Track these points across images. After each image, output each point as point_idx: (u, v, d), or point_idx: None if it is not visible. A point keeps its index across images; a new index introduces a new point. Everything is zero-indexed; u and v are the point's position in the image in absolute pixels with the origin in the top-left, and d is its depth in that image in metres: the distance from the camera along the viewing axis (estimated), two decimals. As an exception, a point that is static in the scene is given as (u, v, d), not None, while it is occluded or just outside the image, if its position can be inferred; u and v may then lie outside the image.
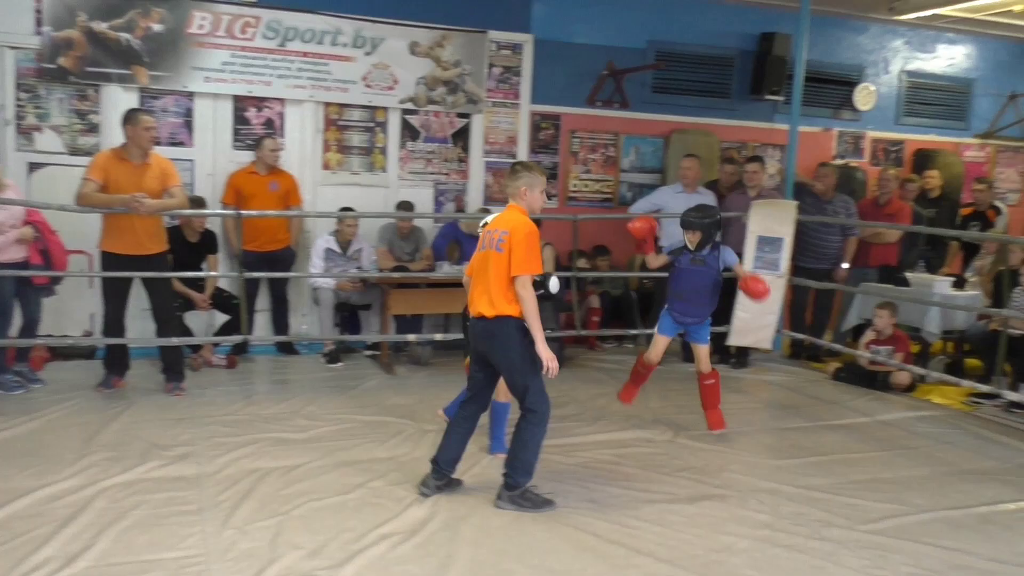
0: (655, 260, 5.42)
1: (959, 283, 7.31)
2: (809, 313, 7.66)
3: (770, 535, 3.82)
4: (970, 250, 8.00)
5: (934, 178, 8.48)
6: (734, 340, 6.94)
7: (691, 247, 5.14)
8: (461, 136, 7.91)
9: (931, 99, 9.74)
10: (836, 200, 7.48)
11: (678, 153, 7.99)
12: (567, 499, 4.14)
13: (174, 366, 5.87)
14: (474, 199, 7.96)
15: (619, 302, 8.02)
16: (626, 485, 4.38)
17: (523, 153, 8.09)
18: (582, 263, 7.73)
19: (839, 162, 8.96)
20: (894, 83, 9.54)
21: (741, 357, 7.25)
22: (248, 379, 6.43)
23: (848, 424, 5.71)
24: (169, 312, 5.85)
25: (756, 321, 6.79)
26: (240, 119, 7.20)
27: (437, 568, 3.38)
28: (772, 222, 6.80)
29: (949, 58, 9.75)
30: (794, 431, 5.51)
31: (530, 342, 3.93)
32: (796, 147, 7.80)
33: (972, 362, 6.94)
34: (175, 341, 5.86)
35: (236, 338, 6.40)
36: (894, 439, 5.38)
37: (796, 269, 7.17)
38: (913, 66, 9.59)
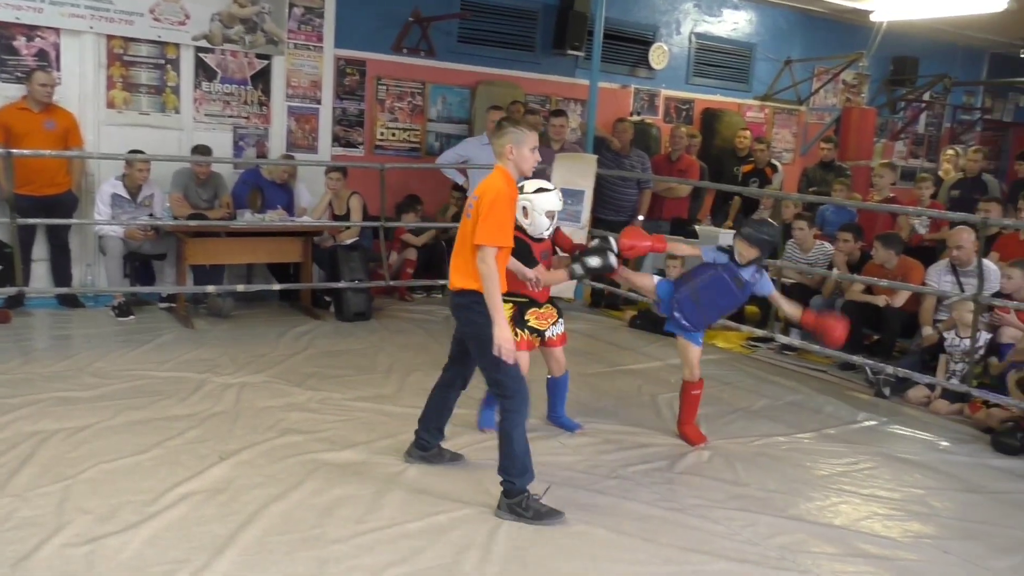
0: (686, 248, 4.99)
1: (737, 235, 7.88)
2: (608, 262, 7.99)
3: (572, 476, 4.00)
4: (749, 205, 8.63)
5: (746, 138, 9.08)
6: (538, 289, 7.13)
7: (739, 261, 4.40)
8: (261, 78, 7.55)
9: (717, 61, 10.34)
10: (632, 155, 7.83)
11: (485, 104, 8.05)
12: (379, 460, 4.14)
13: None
14: (276, 145, 7.65)
15: (429, 252, 8.02)
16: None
17: (327, 98, 7.85)
18: (410, 216, 7.67)
19: (635, 118, 9.36)
20: (685, 44, 10.04)
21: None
22: (25, 334, 5.90)
23: (642, 368, 6.06)
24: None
25: (559, 271, 7.00)
26: (7, 48, 6.49)
27: (241, 525, 3.28)
28: (574, 175, 7.02)
29: (733, 23, 10.38)
30: (594, 376, 5.77)
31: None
32: (596, 102, 8.06)
33: (751, 309, 7.52)
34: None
35: (9, 290, 5.85)
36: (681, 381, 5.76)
37: (596, 221, 7.45)
38: (701, 28, 10.13)
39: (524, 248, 4.21)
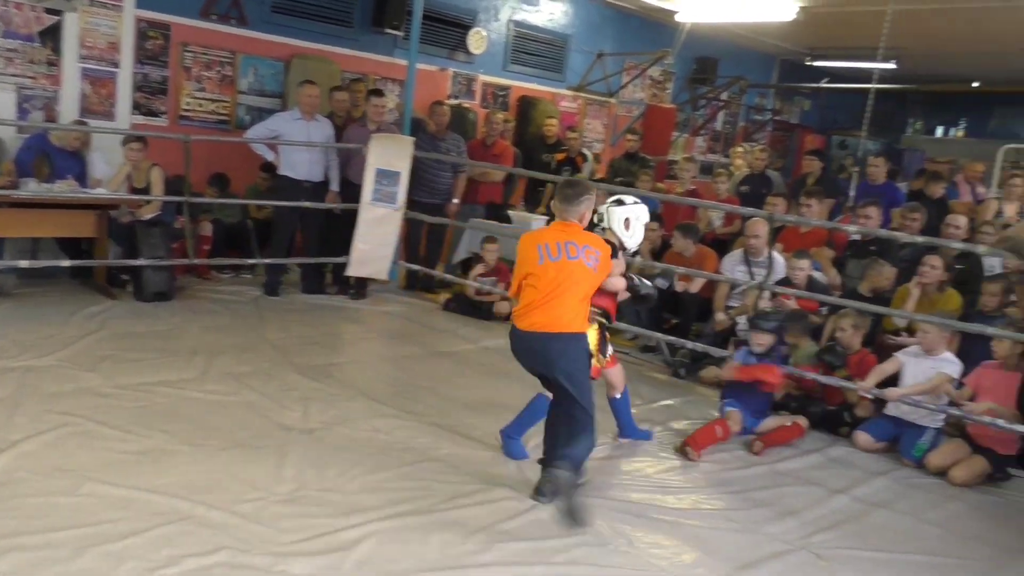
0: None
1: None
2: (423, 246, 8.01)
3: (384, 460, 3.98)
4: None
5: (553, 126, 9.29)
6: (352, 271, 7.05)
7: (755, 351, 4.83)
8: (51, 36, 6.93)
9: (533, 50, 10.55)
10: (448, 138, 7.85)
11: (299, 78, 7.78)
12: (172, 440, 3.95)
13: None
14: (68, 109, 7.05)
15: (235, 230, 7.69)
16: (242, 417, 4.29)
17: (127, 62, 7.32)
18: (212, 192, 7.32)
19: (452, 102, 9.39)
20: (503, 31, 10.17)
21: (360, 288, 7.38)
22: None
23: (456, 351, 6.12)
24: None
25: (374, 253, 6.96)
26: None
27: (23, 521, 3.05)
28: (390, 156, 6.96)
29: (550, 13, 10.62)
30: (408, 359, 5.77)
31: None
32: (414, 84, 8.01)
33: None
34: None
35: None
36: (494, 364, 5.85)
37: (411, 203, 7.42)
38: (519, 16, 10.29)
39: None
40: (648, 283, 4.42)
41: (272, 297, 7.02)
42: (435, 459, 4.05)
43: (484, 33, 9.84)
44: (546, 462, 3.70)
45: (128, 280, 6.68)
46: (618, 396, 4.55)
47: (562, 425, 3.69)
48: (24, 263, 6.04)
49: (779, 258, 6.07)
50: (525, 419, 4.20)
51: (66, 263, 6.39)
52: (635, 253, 4.74)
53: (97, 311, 5.97)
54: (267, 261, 7.16)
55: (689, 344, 5.91)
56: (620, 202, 4.26)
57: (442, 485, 3.76)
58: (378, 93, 7.54)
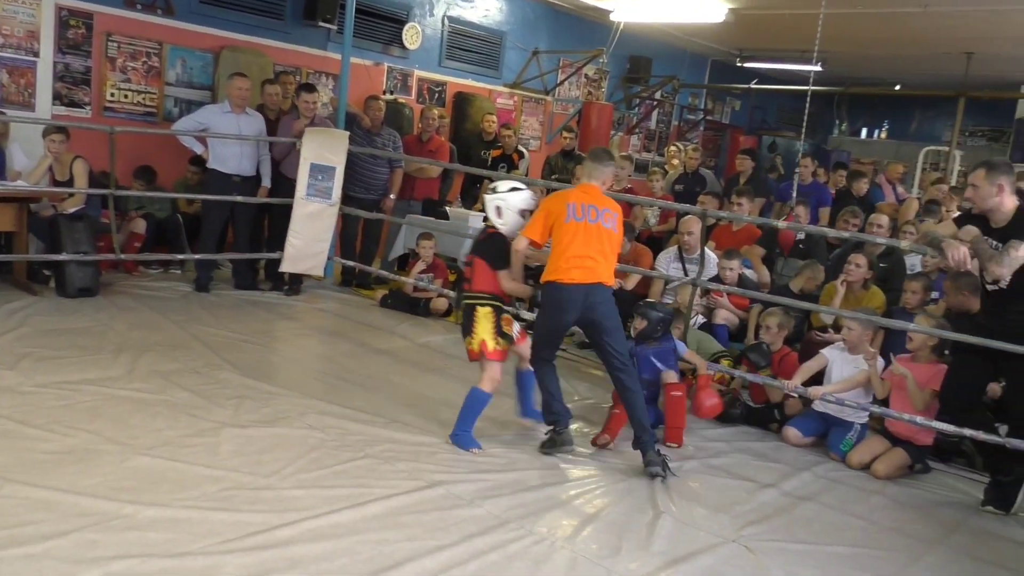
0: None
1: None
2: (359, 242, 7.93)
3: (319, 457, 3.93)
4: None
5: (492, 122, 9.26)
6: (287, 267, 6.95)
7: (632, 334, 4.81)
8: (-35, 22, 6.66)
9: (469, 46, 10.53)
10: (384, 133, 7.78)
11: (229, 71, 7.62)
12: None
13: None
14: (-17, 99, 6.81)
15: (164, 225, 7.50)
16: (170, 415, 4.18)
17: (47, 51, 7.08)
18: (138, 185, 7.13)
19: (388, 97, 9.31)
20: (438, 26, 10.12)
21: (294, 284, 7.27)
22: None
23: (392, 348, 6.07)
24: None
25: (308, 248, 6.87)
26: None
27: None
28: (325, 151, 6.87)
29: (485, 10, 10.61)
30: (344, 356, 5.70)
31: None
32: (348, 78, 7.92)
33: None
34: None
35: None
36: (430, 360, 5.83)
37: (347, 198, 7.34)
38: (455, 13, 10.26)
39: (507, 248, 4.29)
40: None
41: (203, 293, 6.87)
42: (370, 456, 4.01)
43: (419, 28, 9.78)
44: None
45: (51, 276, 6.46)
46: (529, 369, 4.56)
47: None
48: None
49: (711, 255, 6.17)
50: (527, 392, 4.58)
51: (-17, 259, 6.16)
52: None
53: (17, 307, 5.76)
54: (197, 257, 7.00)
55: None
56: (493, 190, 4.42)
57: (378, 482, 3.72)
58: (309, 88, 7.41)
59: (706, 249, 5.96)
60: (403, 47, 9.68)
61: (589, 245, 4.21)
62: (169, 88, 7.90)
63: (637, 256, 6.55)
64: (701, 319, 5.97)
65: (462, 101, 10.26)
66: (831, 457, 4.81)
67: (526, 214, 4.36)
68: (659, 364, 4.81)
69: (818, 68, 10.99)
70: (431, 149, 8.36)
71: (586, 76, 11.82)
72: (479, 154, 9.10)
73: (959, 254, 4.08)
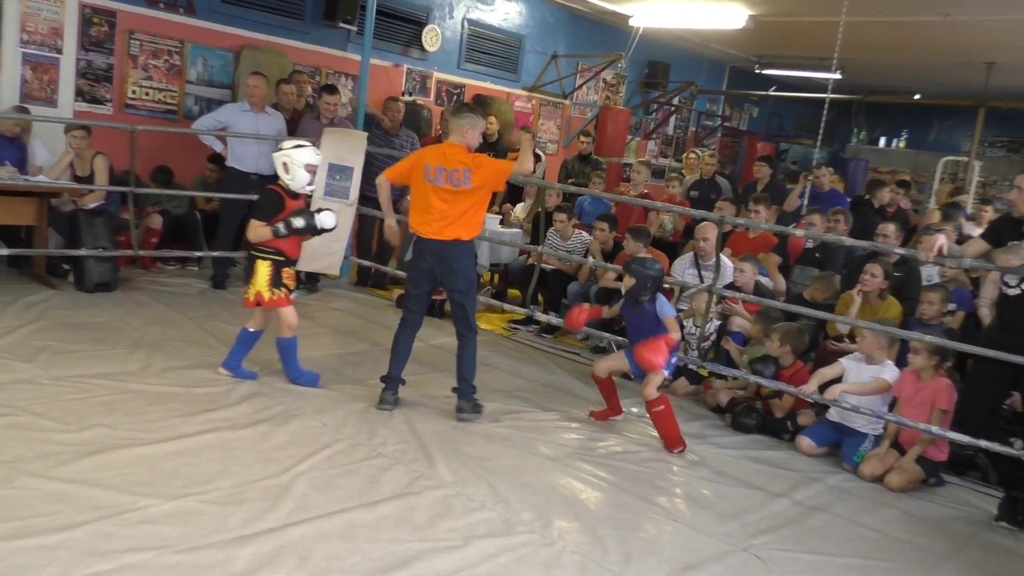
0: (609, 312, 5.18)
1: (503, 220, 8.16)
2: (375, 241, 7.96)
3: (332, 455, 3.95)
4: (515, 192, 8.90)
5: (491, 124, 9.25)
6: (303, 265, 6.92)
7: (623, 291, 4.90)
8: (-10, 18, 6.73)
9: (488, 49, 10.55)
10: (402, 134, 7.81)
11: (249, 70, 7.67)
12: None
13: None
14: (8, 95, 6.85)
15: (182, 222, 7.56)
16: (173, 413, 4.21)
17: (70, 48, 7.14)
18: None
19: (407, 98, 9.34)
20: (457, 29, 10.15)
21: (311, 283, 7.31)
22: None
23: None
24: None
25: (325, 248, 6.85)
26: None
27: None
28: (343, 151, 6.88)
29: (505, 13, 10.63)
30: (358, 355, 5.72)
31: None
32: (368, 79, 7.95)
33: (514, 292, 7.80)
34: None
35: None
36: (443, 361, 5.80)
37: (364, 199, 7.35)
38: (474, 15, 10.29)
39: (279, 203, 4.61)
40: (297, 220, 4.60)
41: (219, 290, 6.91)
42: (383, 455, 4.02)
43: (439, 30, 9.81)
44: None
45: (69, 270, 6.51)
46: (289, 337, 4.80)
47: None
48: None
49: (727, 262, 6.15)
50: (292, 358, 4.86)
51: (3, 251, 6.20)
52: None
53: (36, 300, 5.81)
54: (214, 254, 7.05)
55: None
56: (279, 148, 4.70)
57: (390, 481, 3.74)
58: (331, 90, 7.45)
59: (721, 256, 5.95)
60: (422, 49, 9.71)
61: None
62: (190, 86, 7.95)
63: (652, 261, 6.53)
64: (715, 324, 5.94)
65: (481, 103, 10.26)
66: (844, 468, 4.78)
67: (311, 168, 4.66)
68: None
69: (837, 76, 10.94)
70: (448, 151, 8.36)
71: (604, 81, 11.82)
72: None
73: None
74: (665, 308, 4.82)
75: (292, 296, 4.78)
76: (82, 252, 6.22)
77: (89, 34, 7.28)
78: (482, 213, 4.75)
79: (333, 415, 4.47)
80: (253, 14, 8.20)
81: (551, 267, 7.16)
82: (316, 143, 6.80)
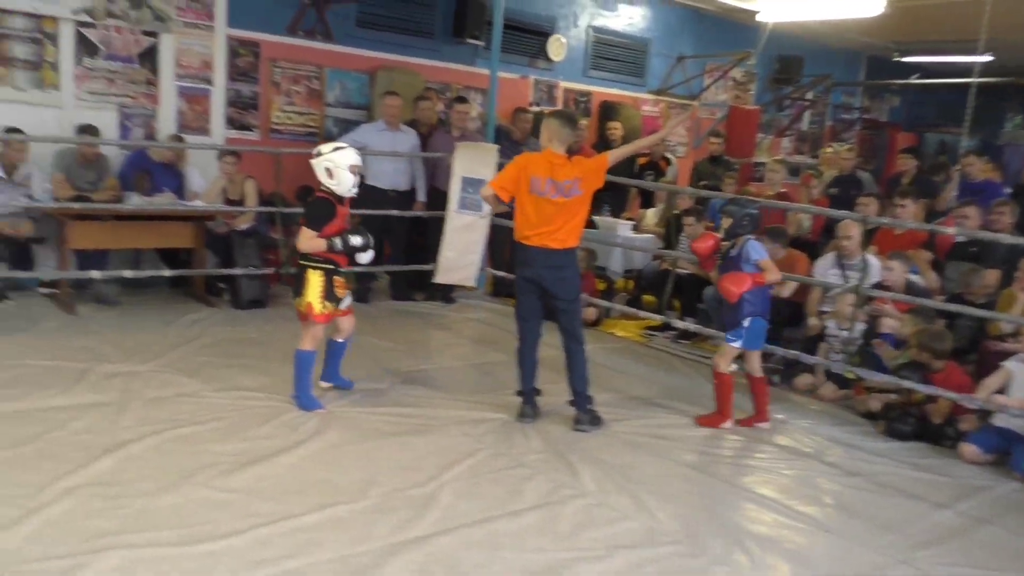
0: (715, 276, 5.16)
1: (636, 226, 8.08)
2: (508, 251, 8.03)
3: (474, 464, 4.01)
4: (646, 196, 8.82)
5: (617, 129, 9.21)
6: (440, 278, 7.13)
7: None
8: (149, 57, 7.23)
9: (614, 55, 10.50)
10: (530, 143, 7.85)
11: (384, 90, 7.93)
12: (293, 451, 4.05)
13: None
14: (166, 126, 7.34)
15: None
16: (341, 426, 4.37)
17: (220, 79, 7.59)
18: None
19: (535, 108, 9.41)
20: (582, 37, 10.15)
21: (447, 294, 7.47)
22: None
23: (542, 357, 6.08)
24: None
25: (461, 260, 7.02)
26: None
27: (129, 520, 3.16)
28: (475, 164, 7.01)
29: (629, 18, 10.55)
30: (494, 365, 5.79)
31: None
32: (496, 92, 8.06)
33: (648, 298, 7.70)
34: None
35: None
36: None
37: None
38: (599, 22, 10.26)
39: (330, 210, 4.46)
40: (355, 238, 4.49)
41: (362, 304, 7.15)
42: (525, 464, 4.05)
43: (564, 40, 9.84)
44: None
45: (225, 288, 6.90)
46: (341, 340, 4.81)
47: None
48: (128, 273, 6.30)
49: (874, 260, 5.88)
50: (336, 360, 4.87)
51: (166, 273, 6.65)
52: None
53: (196, 319, 6.19)
54: (356, 269, 7.28)
55: (780, 350, 5.77)
56: (319, 153, 4.50)
57: (533, 491, 3.76)
58: (461, 100, 7.64)
59: (867, 254, 5.69)
60: (548, 59, 9.76)
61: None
62: (329, 109, 8.29)
63: (792, 263, 6.31)
64: (861, 326, 5.68)
65: (608, 110, 10.23)
66: (1014, 477, 4.46)
67: (355, 169, 4.47)
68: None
69: (986, 58, 10.29)
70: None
71: (733, 79, 11.54)
72: (624, 163, 9.03)
73: None
74: (758, 249, 4.76)
75: (344, 305, 4.65)
76: (235, 271, 6.58)
77: (236, 65, 7.71)
78: (585, 215, 4.68)
79: (473, 425, 4.54)
80: (386, 36, 8.47)
81: (686, 271, 7.04)
82: (448, 156, 6.99)
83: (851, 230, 5.98)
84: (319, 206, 4.47)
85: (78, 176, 6.54)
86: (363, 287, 7.26)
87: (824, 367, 5.70)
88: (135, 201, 6.39)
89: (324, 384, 4.84)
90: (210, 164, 7.16)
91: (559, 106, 9.97)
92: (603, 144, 9.37)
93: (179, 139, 7.17)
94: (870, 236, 6.35)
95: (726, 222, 4.79)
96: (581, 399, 4.66)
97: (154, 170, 6.81)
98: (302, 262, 4.50)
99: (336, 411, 4.55)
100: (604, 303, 7.16)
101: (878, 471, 4.42)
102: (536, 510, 3.57)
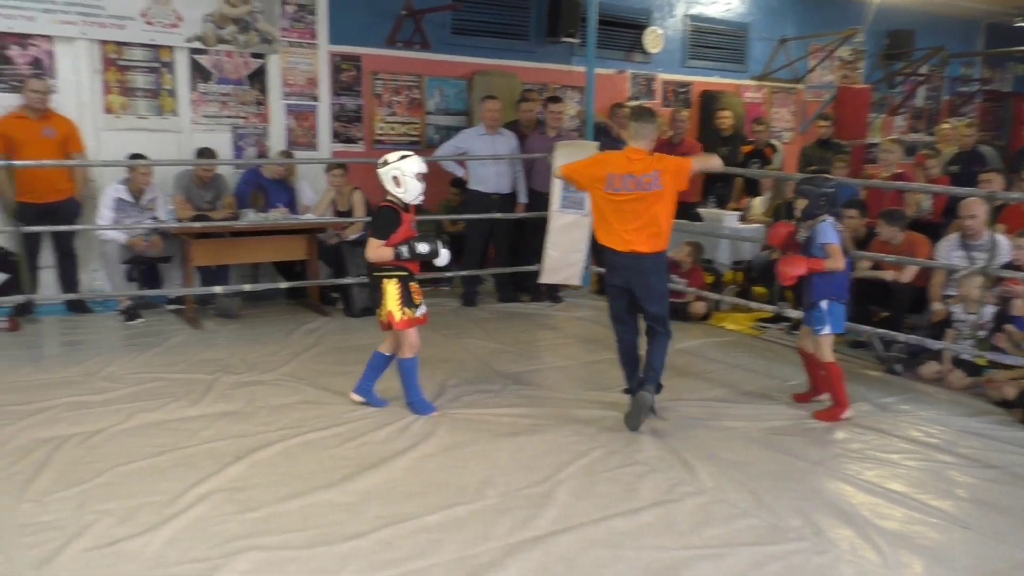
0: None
1: (743, 216, 7.90)
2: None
3: (589, 464, 4.00)
4: (752, 185, 8.61)
5: (727, 117, 9.02)
6: (545, 278, 7.14)
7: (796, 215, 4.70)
8: (257, 78, 7.53)
9: (713, 42, 10.30)
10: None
11: (481, 94, 8.02)
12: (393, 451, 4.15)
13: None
14: (276, 144, 7.64)
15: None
16: (452, 425, 4.44)
17: (325, 95, 7.83)
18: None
19: (633, 103, 9.32)
20: (679, 27, 10.00)
21: (553, 294, 7.48)
22: (35, 342, 5.91)
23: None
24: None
25: (565, 259, 7.01)
26: (2, 58, 6.47)
27: (260, 524, 3.29)
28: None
29: (727, 3, 10.33)
30: (602, 363, 5.75)
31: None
32: (593, 89, 8.03)
33: (759, 290, 7.52)
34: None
35: (17, 298, 5.85)
36: (692, 365, 5.75)
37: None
38: (695, 10, 10.09)
39: (396, 218, 4.43)
40: (422, 244, 4.42)
41: (469, 307, 7.25)
42: (640, 463, 4.02)
43: (660, 31, 9.72)
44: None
45: (338, 297, 7.11)
46: (410, 358, 4.63)
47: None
48: (247, 287, 6.58)
49: (1003, 239, 5.57)
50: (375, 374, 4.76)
51: (283, 285, 6.90)
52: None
53: (312, 328, 6.40)
54: (463, 273, 7.40)
55: (902, 337, 5.54)
56: (385, 162, 4.45)
57: (650, 489, 3.73)
58: (555, 99, 7.65)
59: (995, 233, 5.40)
60: (644, 52, 9.66)
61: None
62: (429, 117, 8.44)
63: (912, 246, 6.04)
64: (991, 309, 5.39)
65: (708, 99, 10.05)
66: None
67: (422, 177, 4.45)
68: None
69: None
70: (683, 151, 8.24)
71: (840, 59, 11.13)
72: (719, 152, 8.83)
73: None
74: (826, 233, 4.56)
75: (420, 312, 4.58)
76: (348, 281, 6.78)
77: (339, 80, 7.94)
78: (672, 219, 4.45)
79: (586, 424, 4.53)
80: (482, 41, 8.56)
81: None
82: (547, 156, 7.00)
83: (975, 208, 5.69)
84: (385, 215, 4.46)
85: (197, 196, 6.87)
86: (470, 291, 7.36)
87: (952, 354, 5.43)
88: (251, 217, 6.66)
89: (356, 397, 4.74)
90: (319, 178, 7.39)
91: (657, 99, 9.86)
92: (713, 134, 9.21)
93: (288, 155, 7.43)
94: (996, 214, 6.02)
95: (800, 203, 4.62)
96: (654, 375, 4.52)
97: (267, 186, 7.08)
98: (376, 273, 4.51)
99: (451, 413, 4.63)
100: (713, 296, 7.03)
101: (1016, 462, 4.19)
102: (653, 508, 3.53)
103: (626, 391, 4.69)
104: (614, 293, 4.59)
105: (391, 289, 4.47)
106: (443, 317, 6.86)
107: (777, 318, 6.72)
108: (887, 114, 11.83)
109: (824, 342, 4.67)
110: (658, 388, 4.57)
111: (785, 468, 4.02)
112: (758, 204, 8.15)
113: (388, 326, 4.55)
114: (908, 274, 6.00)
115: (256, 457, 3.94)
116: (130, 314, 6.44)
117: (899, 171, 7.49)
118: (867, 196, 7.16)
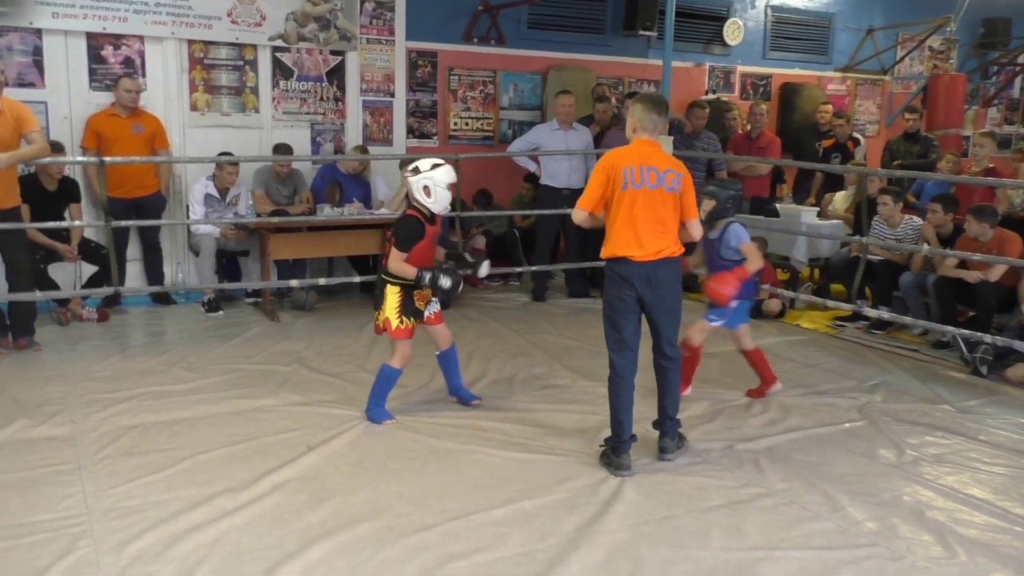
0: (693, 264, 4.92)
1: (821, 212, 7.70)
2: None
3: (657, 462, 3.97)
4: (832, 181, 8.39)
5: (828, 112, 8.82)
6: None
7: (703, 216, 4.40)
8: (336, 74, 7.67)
9: (794, 33, 10.07)
10: (703, 137, 7.72)
11: (556, 90, 8.00)
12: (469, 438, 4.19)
13: (23, 320, 5.53)
14: (352, 139, 7.78)
15: (502, 240, 8.05)
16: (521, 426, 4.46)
17: (400, 91, 7.93)
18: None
19: (710, 96, 9.18)
20: (760, 18, 9.80)
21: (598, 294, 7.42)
22: (122, 332, 6.16)
23: (725, 352, 5.93)
24: (21, 267, 5.40)
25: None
26: (96, 58, 6.75)
27: (332, 513, 3.37)
28: (649, 157, 6.91)
29: (811, -6, 10.09)
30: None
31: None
32: (670, 82, 7.92)
33: (836, 287, 7.33)
34: (40, 296, 5.55)
35: (106, 290, 6.08)
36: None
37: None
38: (777, 1, 9.87)
39: (420, 229, 4.30)
40: (445, 279, 4.28)
41: (539, 303, 7.26)
42: (707, 461, 3.97)
43: (740, 23, 9.55)
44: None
45: (410, 292, 7.19)
46: (445, 350, 4.61)
47: None
48: (322, 280, 6.71)
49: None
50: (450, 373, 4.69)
51: (356, 279, 7.01)
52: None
53: (385, 322, 6.49)
54: (533, 269, 7.41)
55: (989, 338, 5.33)
56: (416, 170, 4.28)
57: (717, 488, 3.68)
58: (632, 96, 7.55)
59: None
60: (724, 44, 9.51)
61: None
62: (503, 112, 8.47)
63: (1002, 243, 5.80)
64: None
65: (789, 92, 9.83)
66: None
67: (452, 187, 4.31)
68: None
69: None
70: (761, 146, 8.11)
71: (930, 49, 10.75)
72: (811, 146, 8.66)
73: None
74: (738, 234, 4.52)
75: (429, 312, 4.49)
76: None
77: (415, 76, 8.03)
78: (677, 224, 3.93)
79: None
80: (557, 35, 8.55)
81: (878, 258, 6.63)
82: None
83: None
84: (409, 225, 4.29)
85: (275, 192, 7.04)
86: (540, 286, 7.37)
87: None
88: (327, 212, 6.80)
89: (453, 399, 4.71)
90: (394, 173, 7.49)
91: (735, 92, 9.69)
92: (811, 130, 8.99)
93: (363, 150, 7.55)
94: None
95: (708, 204, 4.50)
96: (673, 424, 4.03)
97: (343, 181, 7.21)
98: (383, 277, 4.38)
99: (520, 407, 4.64)
100: (788, 293, 6.88)
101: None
102: (721, 508, 3.49)
103: (615, 447, 3.89)
104: (622, 310, 3.86)
105: (392, 296, 4.34)
106: (513, 312, 6.89)
107: (855, 316, 6.54)
108: (980, 105, 11.38)
109: (707, 329, 4.70)
110: (680, 441, 4.06)
111: (859, 471, 3.92)
112: (840, 199, 7.94)
113: (382, 331, 4.43)
114: (996, 272, 5.77)
115: (329, 448, 4.02)
116: (211, 306, 6.66)
117: (990, 166, 7.20)
118: (957, 191, 6.91)
